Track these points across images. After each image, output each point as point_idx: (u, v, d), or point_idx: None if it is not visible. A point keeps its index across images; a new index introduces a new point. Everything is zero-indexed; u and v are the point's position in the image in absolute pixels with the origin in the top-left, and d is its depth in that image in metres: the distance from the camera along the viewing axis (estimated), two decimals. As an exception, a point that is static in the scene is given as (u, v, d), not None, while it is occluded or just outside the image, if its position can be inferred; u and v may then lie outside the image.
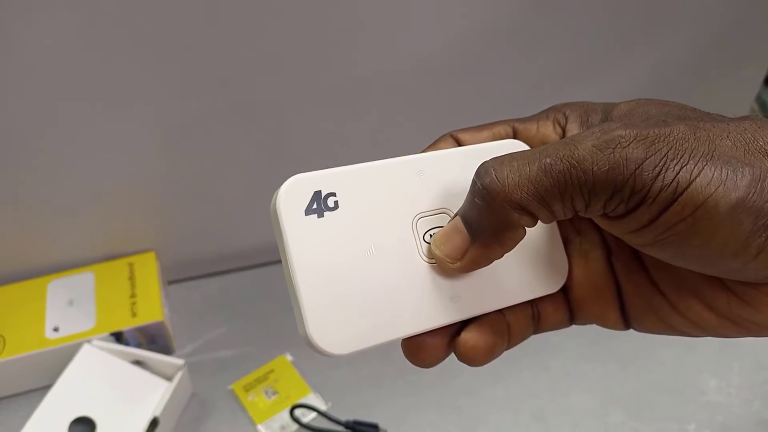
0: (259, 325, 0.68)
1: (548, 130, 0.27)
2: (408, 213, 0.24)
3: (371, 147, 0.67)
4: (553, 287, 0.26)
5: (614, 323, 0.27)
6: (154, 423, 0.56)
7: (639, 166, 0.20)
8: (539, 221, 0.23)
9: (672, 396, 0.62)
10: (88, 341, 0.60)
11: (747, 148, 0.20)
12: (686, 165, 0.20)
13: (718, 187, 0.19)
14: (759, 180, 0.19)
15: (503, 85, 0.67)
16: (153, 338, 0.63)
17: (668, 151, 0.20)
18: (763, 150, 0.20)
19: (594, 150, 0.20)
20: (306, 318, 0.22)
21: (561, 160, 0.21)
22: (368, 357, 0.63)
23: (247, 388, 0.62)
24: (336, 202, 0.23)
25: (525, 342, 0.27)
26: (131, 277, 0.66)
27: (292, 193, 0.23)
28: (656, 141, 0.20)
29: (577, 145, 0.21)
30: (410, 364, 0.25)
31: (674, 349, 0.65)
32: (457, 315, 0.24)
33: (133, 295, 0.64)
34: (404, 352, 0.25)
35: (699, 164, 0.20)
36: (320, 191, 0.23)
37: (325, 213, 0.23)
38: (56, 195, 0.63)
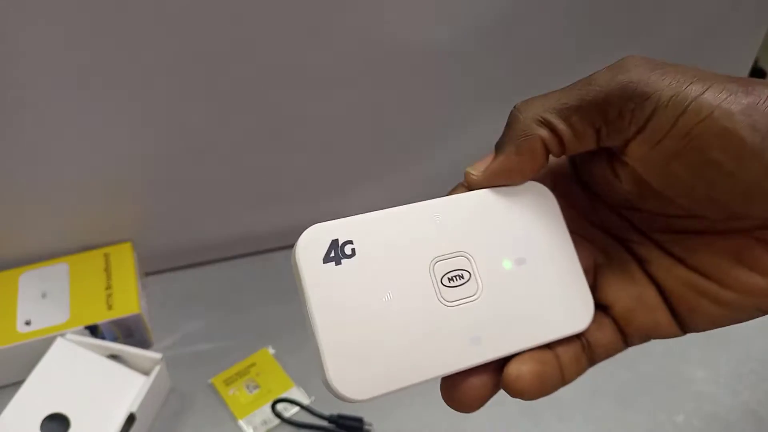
0: (239, 317, 0.66)
1: None
2: (425, 257, 0.25)
3: (360, 131, 0.66)
4: (579, 325, 0.26)
5: (668, 328, 0.26)
6: (130, 419, 0.54)
7: (650, 78, 0.22)
8: (562, 146, 0.25)
9: (660, 387, 0.61)
10: (62, 335, 0.59)
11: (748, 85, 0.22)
12: (695, 84, 0.22)
13: (729, 96, 0.21)
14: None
15: (502, 71, 0.66)
16: (130, 331, 0.61)
17: (677, 74, 0.22)
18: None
19: (608, 72, 0.23)
20: (326, 364, 0.22)
21: (579, 84, 0.24)
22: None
23: (228, 382, 0.61)
24: (353, 250, 0.24)
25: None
26: (107, 269, 0.64)
27: (310, 243, 0.23)
28: (665, 66, 0.23)
29: (593, 75, 0.24)
30: None
31: (662, 340, 0.64)
32: (479, 357, 0.24)
33: (108, 287, 0.63)
34: (444, 398, 0.25)
35: (707, 83, 0.22)
36: (337, 240, 0.24)
37: (342, 261, 0.23)
38: (28, 183, 0.61)
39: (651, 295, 0.26)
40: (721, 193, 0.22)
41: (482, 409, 0.62)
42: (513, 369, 0.24)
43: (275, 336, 0.64)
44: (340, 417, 0.57)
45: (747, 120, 0.21)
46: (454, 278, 0.25)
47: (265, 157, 0.65)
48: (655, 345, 0.62)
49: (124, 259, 0.65)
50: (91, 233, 0.66)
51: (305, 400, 0.59)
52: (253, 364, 0.62)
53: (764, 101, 0.21)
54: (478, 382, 0.24)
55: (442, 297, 0.24)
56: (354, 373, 0.23)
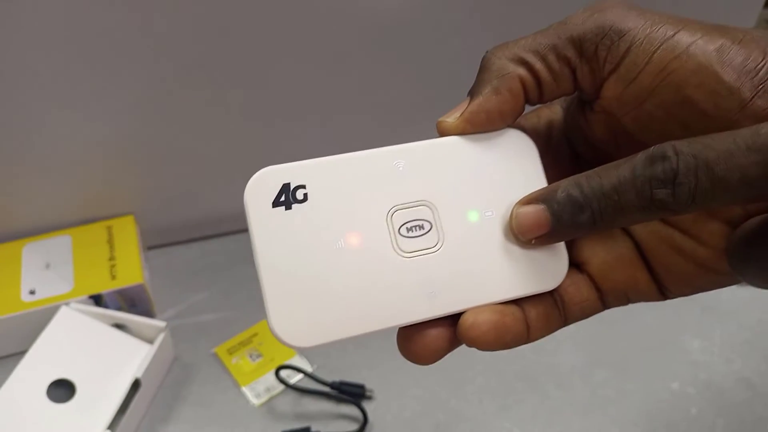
0: (241, 289, 0.67)
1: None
2: (383, 205, 0.24)
3: (358, 101, 0.66)
4: (549, 283, 0.25)
5: (646, 287, 0.25)
6: (135, 384, 0.55)
7: (626, 17, 0.23)
8: (540, 89, 0.24)
9: (656, 355, 0.62)
10: (66, 304, 0.59)
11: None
12: (670, 24, 0.22)
13: (704, 35, 0.22)
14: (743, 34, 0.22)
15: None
16: (133, 302, 0.62)
17: (653, 15, 0.23)
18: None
19: (583, 12, 0.24)
20: (269, 308, 0.22)
21: (554, 26, 0.24)
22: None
23: (231, 352, 0.62)
24: (305, 195, 0.23)
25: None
26: (110, 241, 0.65)
27: (260, 186, 0.23)
28: (642, 9, 0.23)
29: (567, 17, 0.24)
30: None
31: (659, 311, 0.66)
32: (434, 311, 0.24)
33: (112, 258, 0.63)
34: (400, 349, 0.25)
35: (682, 24, 0.22)
36: (289, 184, 0.23)
37: (293, 205, 0.23)
38: (31, 156, 0.61)
39: (628, 250, 0.26)
40: (695, 134, 0.21)
41: (480, 374, 0.63)
42: (468, 317, 0.23)
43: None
44: (343, 384, 0.58)
45: (722, 57, 0.21)
46: (413, 228, 0.24)
47: (266, 130, 0.65)
48: (651, 315, 0.64)
49: (127, 231, 0.66)
50: (93, 206, 0.66)
51: (308, 368, 0.60)
52: (255, 334, 0.63)
53: (738, 42, 0.21)
54: (435, 334, 0.24)
55: (398, 247, 0.24)
56: (298, 319, 0.22)
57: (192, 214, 0.71)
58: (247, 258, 0.68)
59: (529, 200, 0.24)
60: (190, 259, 0.71)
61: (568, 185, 0.22)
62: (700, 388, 0.60)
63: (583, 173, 0.22)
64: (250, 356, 0.61)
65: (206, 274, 0.69)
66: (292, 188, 0.23)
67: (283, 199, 0.23)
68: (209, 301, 0.66)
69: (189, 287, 0.68)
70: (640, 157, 0.21)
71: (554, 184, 0.23)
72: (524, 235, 0.24)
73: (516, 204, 0.24)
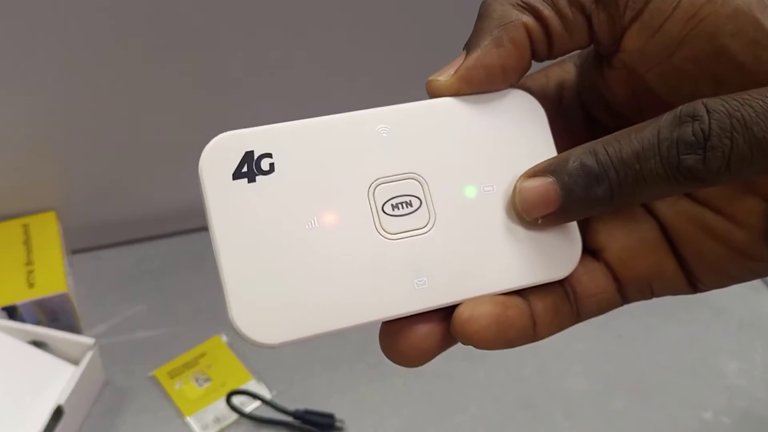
0: (186, 301, 0.69)
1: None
2: (364, 178, 0.25)
3: (321, 73, 0.67)
4: (559, 271, 0.26)
5: (673, 277, 0.26)
6: (57, 413, 0.56)
7: None
8: (550, 41, 0.25)
9: (685, 379, 0.64)
10: (-26, 317, 0.60)
11: None
12: None
13: None
14: None
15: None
16: (55, 315, 0.64)
17: None
18: None
19: None
20: (230, 300, 0.23)
21: None
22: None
23: (173, 375, 0.63)
24: (272, 165, 0.24)
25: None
26: (26, 242, 0.67)
27: (218, 154, 0.23)
28: None
29: None
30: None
31: (688, 326, 0.68)
32: (423, 303, 0.24)
33: (29, 263, 0.65)
34: (383, 348, 0.25)
35: None
36: (253, 152, 0.24)
37: (257, 178, 0.23)
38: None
39: (652, 234, 0.26)
40: (730, 91, 0.21)
41: (473, 401, 0.63)
42: (465, 309, 0.24)
43: (228, 323, 0.65)
44: (308, 412, 0.60)
45: (763, 0, 0.21)
46: (399, 206, 0.25)
47: (217, 106, 0.66)
48: (678, 331, 0.65)
49: (47, 230, 0.68)
50: (6, 201, 0.68)
51: (267, 395, 0.62)
52: (203, 354, 0.65)
53: None
54: (424, 330, 0.24)
55: (382, 227, 0.24)
56: (265, 311, 0.23)
57: (126, 211, 0.71)
58: (192, 264, 0.70)
59: (535, 172, 0.24)
60: (123, 265, 0.72)
61: (581, 153, 0.23)
62: (738, 418, 0.62)
63: (599, 139, 0.23)
64: (196, 380, 0.63)
65: (143, 283, 0.70)
66: (256, 157, 0.24)
67: (245, 169, 0.23)
68: (147, 315, 0.68)
69: (122, 298, 0.69)
70: (666, 117, 0.21)
71: (565, 153, 0.24)
72: (530, 213, 0.24)
73: (520, 177, 0.25)
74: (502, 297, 0.24)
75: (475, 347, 0.24)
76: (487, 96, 0.26)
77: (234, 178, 0.23)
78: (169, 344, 0.65)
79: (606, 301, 0.26)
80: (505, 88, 0.26)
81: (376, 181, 0.25)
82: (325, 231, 0.24)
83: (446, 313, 0.24)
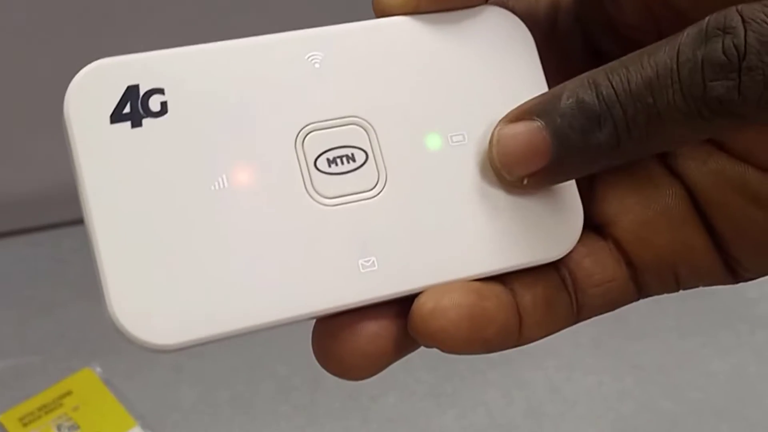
0: (44, 322, 0.64)
1: None
2: (289, 123, 0.23)
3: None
4: (554, 250, 0.24)
5: (706, 259, 0.24)
6: None
7: None
8: None
9: (728, 424, 0.60)
10: None
11: None
12: None
13: None
14: None
15: None
16: None
17: None
18: None
19: None
20: (108, 287, 0.20)
21: None
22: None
23: (27, 421, 0.59)
24: (164, 104, 0.22)
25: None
26: None
27: (89, 89, 0.21)
28: None
29: None
30: (317, 371, 0.23)
31: (730, 355, 0.63)
32: (373, 291, 0.22)
33: None
34: (317, 354, 0.23)
35: None
36: (137, 86, 0.21)
37: (144, 120, 0.21)
38: None
39: (677, 201, 0.24)
40: None
41: (456, 424, 0.58)
42: (428, 299, 0.22)
43: (103, 350, 0.61)
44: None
45: None
46: (338, 160, 0.23)
47: (92, 52, 0.60)
48: (717, 363, 0.61)
49: None
50: None
51: (154, 446, 0.57)
52: (68, 393, 0.60)
53: None
54: (373, 329, 0.22)
55: (314, 189, 0.22)
56: (156, 301, 0.21)
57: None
58: (54, 273, 0.64)
59: (518, 115, 0.23)
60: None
61: (577, 86, 0.21)
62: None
63: (601, 67, 0.21)
64: (58, 428, 0.58)
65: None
66: (142, 93, 0.21)
67: (128, 110, 0.21)
68: (-8, 340, 0.61)
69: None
70: (689, 32, 0.19)
71: (557, 88, 0.22)
72: (512, 169, 0.23)
73: (499, 122, 0.23)
74: (476, 283, 0.23)
75: (441, 350, 0.22)
76: (454, 14, 0.24)
77: (112, 122, 0.21)
78: (22, 380, 0.60)
79: (615, 293, 0.24)
80: (480, 3, 0.24)
81: (306, 128, 0.23)
82: (236, 193, 0.22)
83: (403, 305, 0.22)
